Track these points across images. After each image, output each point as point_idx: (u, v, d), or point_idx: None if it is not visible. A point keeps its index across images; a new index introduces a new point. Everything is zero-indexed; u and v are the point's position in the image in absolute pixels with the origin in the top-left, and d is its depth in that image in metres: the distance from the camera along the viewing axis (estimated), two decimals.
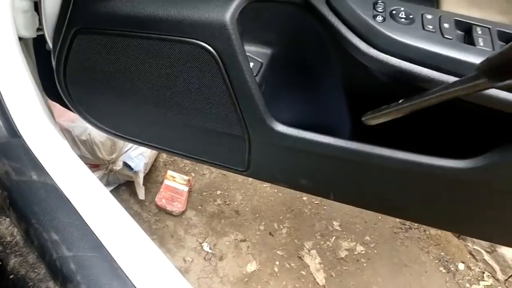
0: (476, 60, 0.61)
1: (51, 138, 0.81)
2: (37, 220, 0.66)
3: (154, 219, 2.32)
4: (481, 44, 0.63)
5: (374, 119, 0.66)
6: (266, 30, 0.80)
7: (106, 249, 0.64)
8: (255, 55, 0.82)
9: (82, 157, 2.07)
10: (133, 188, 2.32)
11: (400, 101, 0.59)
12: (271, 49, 0.83)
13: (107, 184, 2.30)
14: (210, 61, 0.70)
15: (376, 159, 0.76)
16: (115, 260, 0.63)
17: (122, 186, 2.40)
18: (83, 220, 0.68)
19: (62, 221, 0.66)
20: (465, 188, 0.79)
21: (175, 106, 0.79)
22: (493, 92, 0.62)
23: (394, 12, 0.65)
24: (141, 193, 2.28)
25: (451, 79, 0.62)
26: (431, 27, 0.64)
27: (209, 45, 0.69)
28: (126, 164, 2.20)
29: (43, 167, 0.73)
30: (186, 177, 2.40)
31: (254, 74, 0.79)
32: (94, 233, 0.66)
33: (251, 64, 0.80)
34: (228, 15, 0.66)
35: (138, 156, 2.24)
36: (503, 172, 0.73)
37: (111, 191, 2.33)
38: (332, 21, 0.66)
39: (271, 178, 0.92)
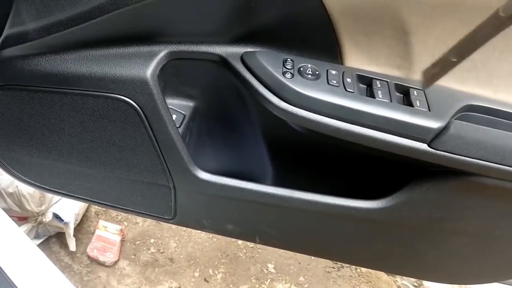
0: (375, 110, 0.68)
1: None
2: None
3: (86, 270, 2.26)
4: (380, 96, 0.69)
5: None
6: (187, 85, 0.83)
7: None
8: (178, 107, 0.85)
9: (9, 210, 2.02)
10: (63, 239, 2.26)
11: None
12: (193, 101, 0.86)
13: (36, 236, 2.23)
14: (133, 115, 0.72)
15: (295, 203, 0.80)
16: None
17: (52, 238, 2.33)
18: (7, 277, 0.67)
19: None
20: (379, 227, 0.85)
21: (99, 158, 0.80)
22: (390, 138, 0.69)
23: (301, 68, 0.70)
24: (72, 245, 2.22)
25: (356, 128, 0.68)
26: (335, 81, 0.70)
27: (132, 100, 0.71)
28: (56, 216, 2.15)
29: None
30: (119, 227, 2.37)
31: (177, 126, 0.82)
32: None
33: (174, 116, 0.83)
34: (149, 72, 0.69)
35: (68, 207, 2.20)
36: (410, 210, 0.79)
37: (40, 244, 2.26)
38: (247, 77, 0.71)
39: (198, 225, 0.94)
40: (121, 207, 0.93)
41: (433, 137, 0.67)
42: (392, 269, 1.04)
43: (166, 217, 0.91)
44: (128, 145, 0.77)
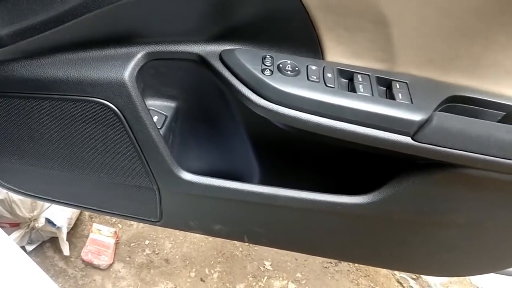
0: (356, 105, 0.67)
1: None
2: None
3: (80, 274, 2.25)
4: (361, 90, 0.69)
5: None
6: (168, 85, 0.82)
7: None
8: (159, 108, 0.85)
9: (0, 216, 2.02)
10: (57, 244, 2.25)
11: None
12: (174, 102, 0.86)
13: (30, 242, 2.22)
14: (113, 118, 0.72)
15: (282, 201, 0.80)
16: None
17: (46, 243, 2.32)
18: None
19: None
20: (368, 222, 0.84)
21: (81, 163, 0.80)
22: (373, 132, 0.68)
23: (281, 65, 0.70)
24: (65, 249, 2.21)
25: (338, 124, 0.68)
26: (315, 77, 0.69)
27: (110, 102, 0.70)
28: (48, 221, 2.14)
29: None
30: (113, 229, 2.36)
31: (159, 127, 0.81)
32: None
33: (155, 118, 0.82)
34: (127, 73, 0.69)
35: (60, 212, 2.19)
36: (398, 204, 0.78)
37: (34, 249, 2.25)
38: (226, 76, 0.70)
39: (185, 226, 0.93)
40: (107, 211, 0.93)
41: (416, 130, 0.67)
42: (384, 264, 1.04)
43: (153, 220, 0.90)
44: (110, 148, 0.77)
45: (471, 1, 0.59)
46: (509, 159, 0.67)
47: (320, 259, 2.44)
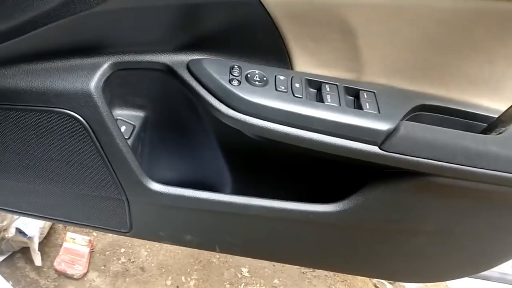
0: (324, 115, 0.67)
1: None
2: None
3: (53, 285, 2.21)
4: (329, 100, 0.69)
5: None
6: (135, 95, 0.82)
7: None
8: (127, 118, 0.84)
9: None
10: (29, 254, 2.21)
11: None
12: (142, 111, 0.85)
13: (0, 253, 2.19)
14: (79, 129, 0.71)
15: (253, 210, 0.79)
16: None
17: (17, 253, 2.27)
18: None
19: None
20: (339, 230, 0.85)
21: (48, 174, 0.78)
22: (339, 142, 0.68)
23: (249, 75, 0.69)
24: (37, 259, 2.17)
25: (306, 134, 0.68)
26: (283, 87, 0.69)
27: (76, 113, 0.69)
28: (19, 231, 2.10)
29: None
30: (87, 238, 2.33)
31: (127, 137, 0.80)
32: None
33: (123, 128, 0.81)
34: (93, 84, 0.68)
35: (32, 221, 2.15)
36: (368, 212, 0.79)
37: (4, 260, 2.21)
38: (193, 85, 0.70)
39: (156, 237, 0.92)
40: (76, 222, 0.91)
41: (384, 139, 0.67)
42: (357, 271, 1.04)
43: (123, 230, 0.89)
44: (77, 159, 0.75)
45: (437, 13, 0.60)
46: (475, 167, 0.68)
47: None
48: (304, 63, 0.73)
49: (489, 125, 0.71)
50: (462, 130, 0.70)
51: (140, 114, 0.85)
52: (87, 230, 2.46)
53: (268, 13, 0.65)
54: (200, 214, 0.84)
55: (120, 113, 0.83)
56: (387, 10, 0.64)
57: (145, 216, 0.86)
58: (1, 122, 0.72)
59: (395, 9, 0.64)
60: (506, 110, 0.67)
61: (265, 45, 0.71)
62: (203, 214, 0.83)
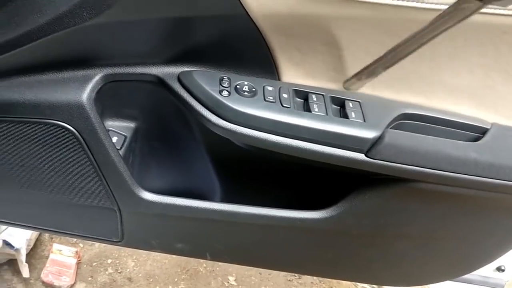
0: (311, 124, 0.69)
1: None
2: None
3: None
4: (316, 109, 0.71)
5: (357, 82, 0.70)
6: (127, 106, 0.83)
7: None
8: (118, 129, 0.85)
9: None
10: (16, 266, 2.19)
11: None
12: (134, 122, 0.86)
13: None
14: (72, 139, 0.72)
15: (242, 217, 0.81)
16: None
17: (3, 265, 2.24)
18: None
19: None
20: (326, 236, 0.86)
21: (41, 185, 0.79)
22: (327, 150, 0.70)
23: (238, 86, 0.71)
24: (24, 271, 2.15)
25: (294, 142, 0.70)
26: (271, 97, 0.71)
27: (69, 124, 0.70)
28: (6, 242, 2.08)
29: None
30: (74, 249, 2.31)
31: (118, 148, 0.82)
32: None
33: (115, 139, 0.83)
34: (85, 95, 0.69)
35: (18, 233, 2.13)
36: (355, 218, 0.81)
37: None
38: (184, 97, 0.72)
39: (147, 246, 0.93)
40: (67, 232, 0.92)
41: (370, 147, 0.70)
42: (344, 276, 1.06)
43: (114, 240, 0.90)
44: (69, 170, 0.77)
45: (416, 26, 0.63)
46: (457, 173, 0.71)
47: (284, 272, 2.45)
48: (291, 74, 0.75)
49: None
50: (443, 137, 0.73)
51: (131, 124, 0.86)
52: (73, 241, 2.45)
53: (256, 26, 0.67)
54: (190, 222, 0.85)
55: (111, 124, 0.84)
56: (369, 23, 0.67)
57: (137, 225, 0.88)
58: None
59: (377, 22, 0.66)
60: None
61: (253, 56, 0.73)
62: (193, 222, 0.85)
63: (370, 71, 0.65)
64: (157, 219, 0.85)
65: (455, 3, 0.50)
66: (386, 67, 0.65)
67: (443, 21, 0.54)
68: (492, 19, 0.65)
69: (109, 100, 0.79)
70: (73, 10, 0.59)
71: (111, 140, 0.74)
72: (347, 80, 0.73)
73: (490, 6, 0.51)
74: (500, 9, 0.64)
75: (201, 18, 0.67)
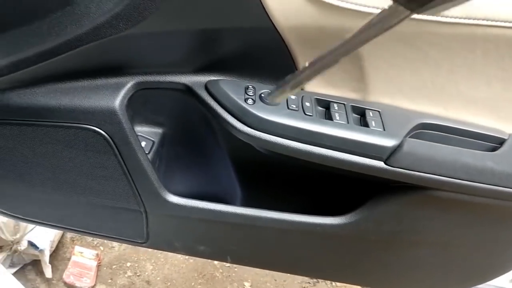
0: (333, 132, 0.72)
1: None
2: None
3: None
4: (337, 118, 0.73)
5: (280, 95, 0.70)
6: (155, 113, 0.86)
7: None
8: (147, 134, 0.88)
9: None
10: (39, 267, 2.23)
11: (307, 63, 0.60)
12: (161, 128, 0.89)
13: (11, 265, 2.20)
14: (104, 144, 0.75)
15: (263, 222, 0.83)
16: None
17: (28, 265, 2.29)
18: None
19: None
20: (345, 242, 0.88)
21: (72, 186, 0.82)
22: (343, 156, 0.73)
23: (262, 95, 0.74)
24: (47, 272, 2.20)
25: (316, 149, 0.72)
26: (294, 106, 0.74)
27: (101, 129, 0.74)
28: (31, 243, 2.13)
29: None
30: (95, 252, 2.36)
31: (147, 152, 0.85)
32: None
33: (143, 143, 0.86)
34: (117, 102, 0.72)
35: (43, 234, 2.18)
36: (373, 224, 0.83)
37: (16, 272, 2.22)
38: (211, 104, 0.74)
39: (171, 247, 0.96)
40: (94, 232, 0.95)
41: (389, 155, 0.72)
42: (361, 282, 1.08)
43: (139, 241, 0.93)
44: (100, 173, 0.80)
45: (435, 38, 0.65)
46: (474, 182, 0.73)
47: (299, 279, 2.46)
48: (314, 84, 0.78)
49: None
50: (461, 147, 0.74)
51: (158, 130, 0.89)
52: (94, 244, 2.49)
53: (282, 38, 0.70)
54: (213, 225, 0.88)
55: (140, 129, 0.88)
56: (390, 35, 0.69)
57: (162, 227, 0.90)
58: (31, 138, 0.76)
59: (398, 34, 0.69)
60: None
61: (277, 66, 0.75)
62: (216, 225, 0.87)
63: (294, 84, 0.65)
64: (181, 221, 0.88)
65: (384, 11, 0.48)
66: (309, 79, 0.63)
67: (373, 29, 0.51)
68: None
69: (139, 106, 0.82)
70: (110, 21, 0.62)
71: (141, 144, 0.77)
72: (270, 94, 0.73)
73: (420, 15, 0.52)
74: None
75: (230, 29, 0.70)
